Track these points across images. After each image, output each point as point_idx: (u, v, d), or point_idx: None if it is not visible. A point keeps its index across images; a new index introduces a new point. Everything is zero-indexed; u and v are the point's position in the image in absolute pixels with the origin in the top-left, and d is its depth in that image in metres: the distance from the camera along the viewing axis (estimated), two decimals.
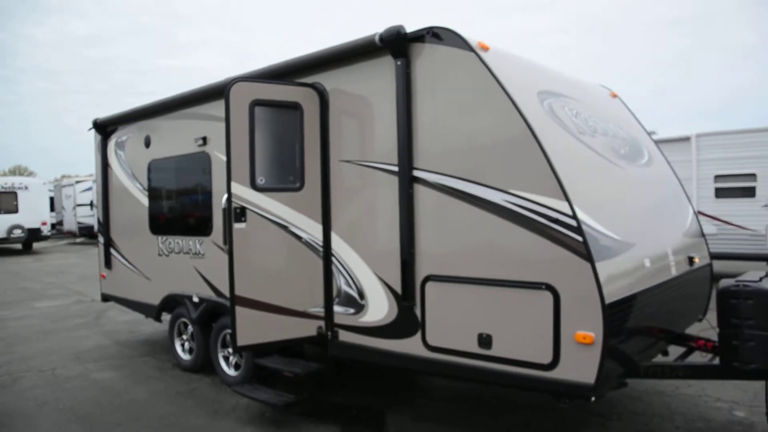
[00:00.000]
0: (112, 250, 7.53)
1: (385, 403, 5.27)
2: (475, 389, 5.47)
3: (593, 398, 3.41)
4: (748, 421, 4.69)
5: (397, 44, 4.11)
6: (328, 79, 4.73)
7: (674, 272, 4.41)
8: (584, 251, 3.37)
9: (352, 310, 4.59)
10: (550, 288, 3.50)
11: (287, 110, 4.62)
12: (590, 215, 3.55)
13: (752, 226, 10.98)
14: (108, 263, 7.61)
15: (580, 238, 3.38)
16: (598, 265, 3.37)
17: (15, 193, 21.09)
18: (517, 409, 5.04)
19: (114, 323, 9.09)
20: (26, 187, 21.43)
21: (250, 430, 4.74)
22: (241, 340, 4.45)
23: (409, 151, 4.14)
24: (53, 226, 26.40)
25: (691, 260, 4.78)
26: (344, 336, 4.67)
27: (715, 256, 11.23)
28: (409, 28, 4.14)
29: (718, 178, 11.37)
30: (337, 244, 4.67)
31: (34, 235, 21.48)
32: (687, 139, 11.62)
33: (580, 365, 3.41)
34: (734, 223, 11.18)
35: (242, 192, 4.45)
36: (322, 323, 4.77)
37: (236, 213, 4.42)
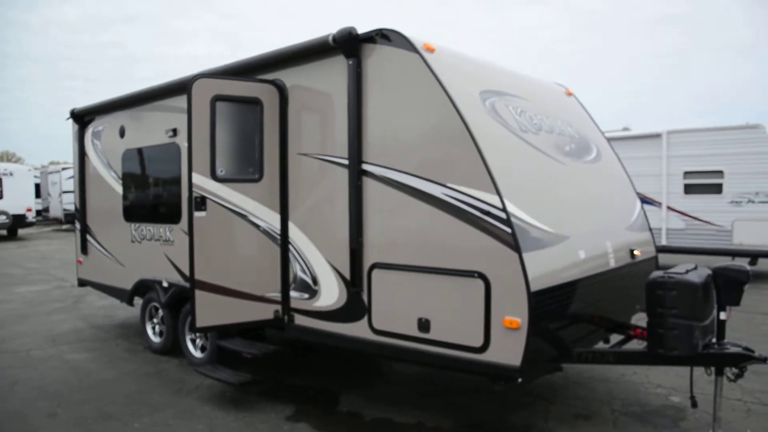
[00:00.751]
0: (88, 237, 7.73)
1: (342, 384, 5.54)
2: (429, 374, 5.74)
3: (520, 380, 3.68)
4: (682, 405, 4.99)
5: (348, 45, 4.33)
6: (288, 76, 4.95)
7: (613, 264, 4.68)
8: (512, 242, 3.63)
9: (306, 296, 4.84)
10: (481, 276, 3.76)
11: (248, 105, 4.84)
12: (521, 208, 3.80)
13: (719, 222, 11.31)
14: (84, 249, 7.82)
15: (509, 230, 3.64)
16: (525, 255, 3.63)
17: (0, 180, 21.15)
18: (465, 392, 5.32)
19: (91, 308, 9.31)
20: (11, 174, 21.47)
21: (209, 407, 5.00)
22: (200, 322, 4.69)
23: (359, 146, 4.38)
24: (39, 212, 26.43)
25: (632, 253, 5.06)
26: (299, 320, 4.92)
27: (682, 251, 11.62)
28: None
29: (687, 174, 11.69)
30: (294, 233, 4.92)
31: (18, 221, 21.57)
32: (658, 135, 11.92)
33: (508, 349, 3.67)
34: (702, 218, 11.51)
35: (203, 182, 4.68)
36: (279, 307, 5.02)
37: (196, 202, 4.65)
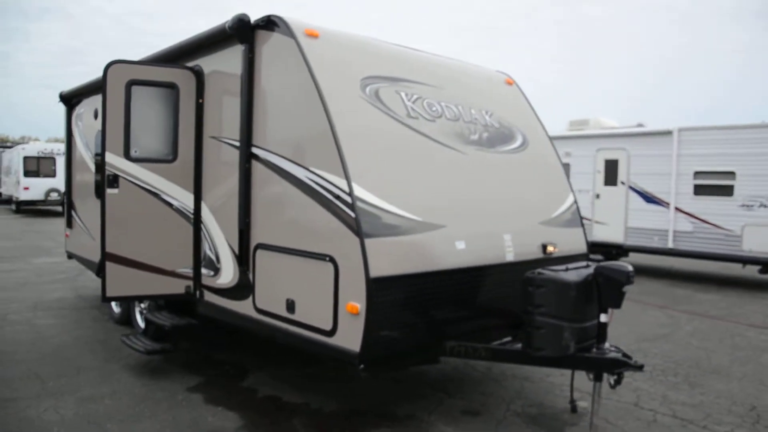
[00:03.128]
0: (73, 212, 8.28)
1: (258, 362, 5.73)
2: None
3: (361, 365, 3.73)
4: (585, 411, 4.85)
5: (241, 31, 4.48)
6: (206, 63, 5.16)
7: (511, 258, 4.60)
8: (356, 226, 3.68)
9: (212, 273, 5.05)
10: (332, 260, 3.84)
11: (164, 89, 5.09)
12: (376, 194, 3.84)
13: (728, 226, 10.69)
14: (69, 224, 8.38)
15: (353, 214, 3.69)
16: (370, 240, 3.67)
17: (53, 159, 22.71)
18: (368, 379, 5.37)
19: (89, 280, 9.93)
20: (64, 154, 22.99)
21: (127, 373, 5.32)
22: (109, 292, 5.02)
23: (249, 130, 4.53)
24: None
25: (544, 248, 4.95)
26: (207, 296, 5.15)
27: (689, 255, 11.05)
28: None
29: (697, 174, 11.09)
30: (205, 213, 5.14)
31: None
32: (669, 133, 11.36)
33: (351, 334, 3.73)
34: (711, 222, 10.91)
35: (116, 161, 4.97)
36: (190, 283, 5.26)
37: (109, 180, 4.95)
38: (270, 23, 4.38)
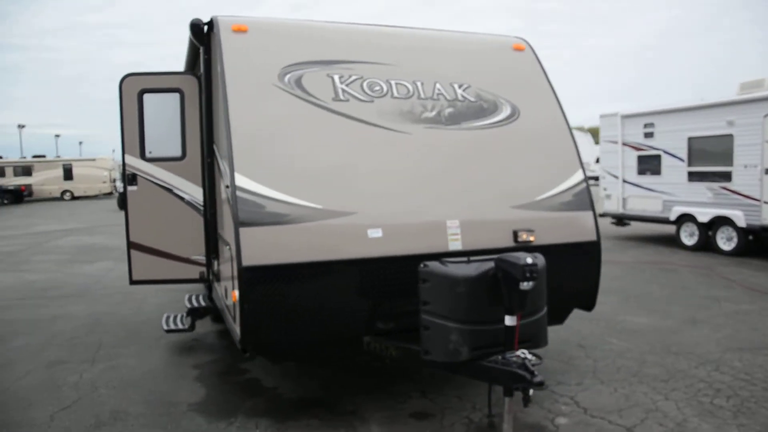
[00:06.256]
0: None
1: None
2: None
3: (247, 354, 3.78)
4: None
5: (197, 36, 4.78)
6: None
7: (456, 247, 4.14)
8: (236, 214, 3.71)
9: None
10: (230, 248, 3.93)
11: (171, 94, 5.66)
12: (265, 183, 3.81)
13: None
14: None
15: (233, 203, 3.74)
16: (246, 229, 3.68)
17: None
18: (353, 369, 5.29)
19: None
20: None
21: (161, 349, 6.06)
22: (135, 276, 5.78)
23: (210, 127, 4.83)
24: None
25: (515, 236, 4.33)
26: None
27: None
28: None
29: None
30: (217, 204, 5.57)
31: None
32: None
33: (238, 321, 3.80)
34: None
35: (134, 162, 5.70)
36: (204, 269, 5.78)
37: (129, 178, 5.70)
38: (210, 24, 4.59)
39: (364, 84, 4.43)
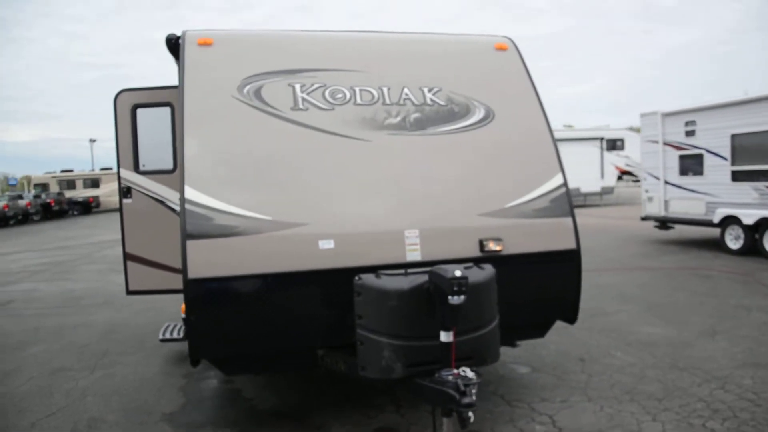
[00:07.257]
0: None
1: None
2: None
3: (193, 366, 3.81)
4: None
5: (171, 50, 4.87)
6: None
7: (415, 257, 3.99)
8: (184, 227, 3.73)
9: None
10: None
11: (163, 108, 5.80)
12: (214, 196, 3.81)
13: None
14: None
15: (181, 215, 3.76)
16: (193, 242, 3.68)
17: None
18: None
19: None
20: None
21: (161, 360, 6.20)
22: (132, 286, 5.94)
23: (182, 139, 4.87)
24: None
25: (481, 245, 4.15)
26: None
27: None
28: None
29: None
30: None
31: None
32: None
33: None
34: None
35: (128, 175, 5.87)
36: None
37: (124, 191, 5.87)
38: (179, 38, 4.66)
39: (326, 92, 4.37)
